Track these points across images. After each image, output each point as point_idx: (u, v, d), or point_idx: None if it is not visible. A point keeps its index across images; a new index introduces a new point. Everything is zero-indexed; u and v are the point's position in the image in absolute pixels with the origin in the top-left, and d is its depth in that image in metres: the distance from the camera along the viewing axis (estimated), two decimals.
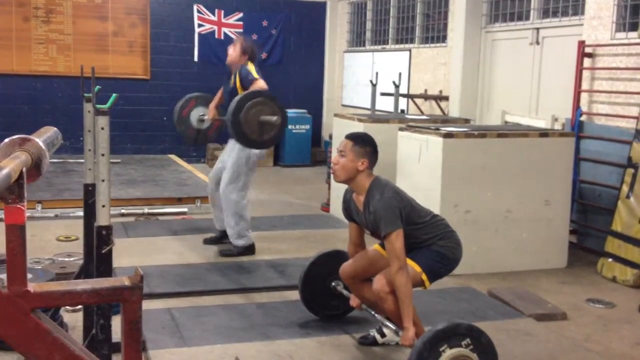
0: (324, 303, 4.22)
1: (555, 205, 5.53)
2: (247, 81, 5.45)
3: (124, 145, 10.56)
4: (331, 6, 11.64)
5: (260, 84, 5.40)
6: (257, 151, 5.54)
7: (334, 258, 4.14)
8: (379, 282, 3.52)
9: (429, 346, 3.06)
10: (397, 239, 3.43)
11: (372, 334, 3.92)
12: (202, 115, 6.01)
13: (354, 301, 3.93)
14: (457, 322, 3.26)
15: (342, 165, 3.57)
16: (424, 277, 3.57)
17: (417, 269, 3.55)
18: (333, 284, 4.15)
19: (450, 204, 5.16)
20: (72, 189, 7.53)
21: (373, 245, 3.89)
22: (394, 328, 3.71)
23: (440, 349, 3.08)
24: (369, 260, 3.82)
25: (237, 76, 5.55)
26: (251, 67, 5.57)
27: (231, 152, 5.64)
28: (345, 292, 4.08)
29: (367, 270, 3.80)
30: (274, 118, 4.79)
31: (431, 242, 3.61)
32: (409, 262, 3.54)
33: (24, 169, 1.28)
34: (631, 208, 5.31)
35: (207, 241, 5.95)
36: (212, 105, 6.01)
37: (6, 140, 1.39)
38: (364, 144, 3.60)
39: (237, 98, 4.89)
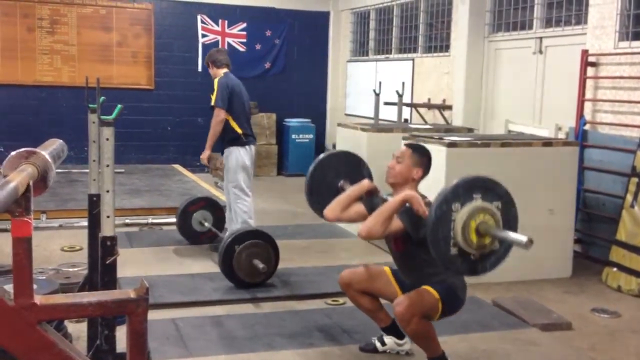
0: (327, 202, 4.01)
1: (559, 214, 5.51)
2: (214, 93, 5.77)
3: (128, 155, 10.58)
4: (334, 16, 11.67)
5: (214, 117, 5.73)
6: (243, 153, 5.80)
7: (349, 162, 4.10)
8: (401, 306, 3.46)
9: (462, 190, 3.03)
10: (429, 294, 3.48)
11: (373, 341, 3.95)
12: (203, 219, 6.18)
13: (368, 185, 3.81)
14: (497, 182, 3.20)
15: (398, 170, 3.63)
16: (439, 304, 3.51)
17: (435, 295, 3.50)
18: (341, 183, 4.02)
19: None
20: (76, 199, 7.54)
21: (383, 267, 3.89)
22: (395, 338, 3.82)
23: (474, 195, 3.04)
24: (369, 274, 3.83)
25: (211, 93, 5.85)
26: (215, 81, 5.86)
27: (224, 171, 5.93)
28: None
29: (365, 283, 3.80)
30: (261, 266, 4.91)
31: (444, 276, 3.55)
32: (427, 288, 3.51)
33: (31, 182, 1.28)
34: (636, 217, 5.30)
35: (213, 248, 5.98)
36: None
37: (13, 153, 1.40)
38: (422, 154, 3.69)
39: (231, 236, 5.03)
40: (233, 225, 5.90)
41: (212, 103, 5.76)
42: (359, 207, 3.76)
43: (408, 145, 3.77)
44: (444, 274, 3.55)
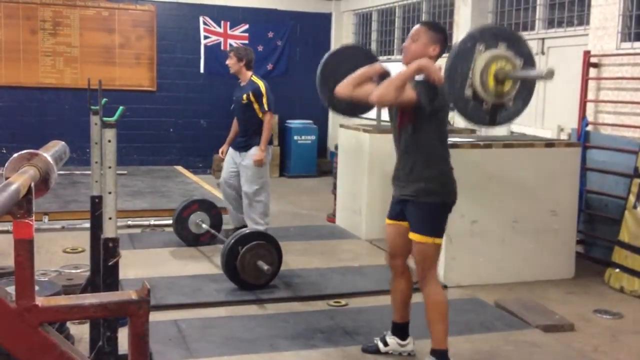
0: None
1: (561, 215, 5.51)
2: (259, 100, 6.10)
3: (131, 157, 10.60)
4: (336, 17, 11.68)
5: (267, 121, 6.07)
6: (270, 152, 6.28)
7: (366, 58, 4.03)
8: (417, 276, 3.65)
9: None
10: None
11: (375, 342, 3.95)
12: (200, 220, 6.24)
13: (379, 67, 3.76)
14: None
15: (414, 49, 3.58)
16: (437, 241, 3.59)
17: (428, 240, 3.56)
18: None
19: (456, 214, 5.11)
20: (78, 201, 7.55)
21: (386, 222, 3.86)
22: (398, 339, 3.86)
23: (500, 44, 3.03)
24: (391, 239, 3.82)
25: (251, 93, 6.09)
26: (261, 85, 6.13)
27: (244, 163, 6.17)
28: None
29: (398, 245, 3.78)
30: (266, 267, 4.91)
31: (434, 175, 3.57)
32: (414, 236, 3.57)
33: (33, 184, 1.29)
34: (638, 218, 5.29)
35: (225, 233, 6.19)
36: (228, 139, 6.46)
37: (15, 155, 1.40)
38: (437, 30, 3.62)
39: (235, 238, 5.00)
40: (251, 214, 6.20)
41: (266, 108, 6.06)
42: (371, 86, 3.68)
43: (422, 23, 3.71)
44: (436, 168, 3.55)
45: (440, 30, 3.64)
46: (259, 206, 6.19)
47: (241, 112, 6.20)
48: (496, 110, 3.08)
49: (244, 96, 6.10)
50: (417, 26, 3.67)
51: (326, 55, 4.09)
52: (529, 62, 3.12)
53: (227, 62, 6.24)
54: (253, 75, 6.18)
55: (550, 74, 2.84)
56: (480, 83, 2.98)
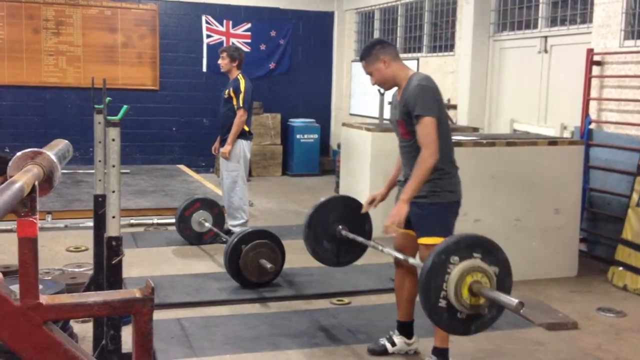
0: (321, 239, 4.12)
1: (565, 213, 5.50)
2: (237, 96, 6.29)
3: (133, 156, 10.61)
4: (339, 16, 11.67)
5: (239, 116, 6.23)
6: (245, 146, 6.38)
7: (343, 205, 4.15)
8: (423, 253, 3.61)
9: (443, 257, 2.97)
10: (431, 125, 3.46)
11: (382, 342, 3.94)
12: (203, 219, 6.29)
13: (366, 207, 3.96)
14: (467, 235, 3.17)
15: (380, 79, 3.67)
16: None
17: (438, 240, 3.51)
18: (339, 227, 4.06)
19: (459, 212, 5.13)
20: (82, 200, 7.56)
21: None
22: (405, 338, 3.83)
23: (475, 254, 2.99)
24: (400, 237, 3.84)
25: (231, 89, 6.34)
26: (241, 82, 6.32)
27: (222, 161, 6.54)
28: (350, 235, 4.02)
29: (407, 245, 3.79)
30: (269, 266, 4.91)
31: (438, 181, 3.59)
32: (427, 240, 3.55)
33: (36, 183, 1.28)
34: None
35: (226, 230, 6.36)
36: (218, 139, 6.65)
37: (18, 153, 1.40)
38: (369, 50, 3.67)
39: (237, 237, 5.02)
40: (231, 211, 6.45)
41: (241, 104, 6.25)
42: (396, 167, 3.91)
43: (360, 59, 3.77)
44: (442, 168, 3.57)
45: (371, 47, 3.68)
46: (234, 200, 6.38)
47: (222, 106, 6.48)
48: (471, 319, 3.02)
49: (226, 91, 6.40)
50: (361, 64, 3.74)
51: (312, 209, 4.16)
52: (504, 269, 3.05)
53: (220, 61, 6.49)
54: (240, 74, 6.39)
55: (519, 307, 2.80)
56: (454, 296, 2.92)
